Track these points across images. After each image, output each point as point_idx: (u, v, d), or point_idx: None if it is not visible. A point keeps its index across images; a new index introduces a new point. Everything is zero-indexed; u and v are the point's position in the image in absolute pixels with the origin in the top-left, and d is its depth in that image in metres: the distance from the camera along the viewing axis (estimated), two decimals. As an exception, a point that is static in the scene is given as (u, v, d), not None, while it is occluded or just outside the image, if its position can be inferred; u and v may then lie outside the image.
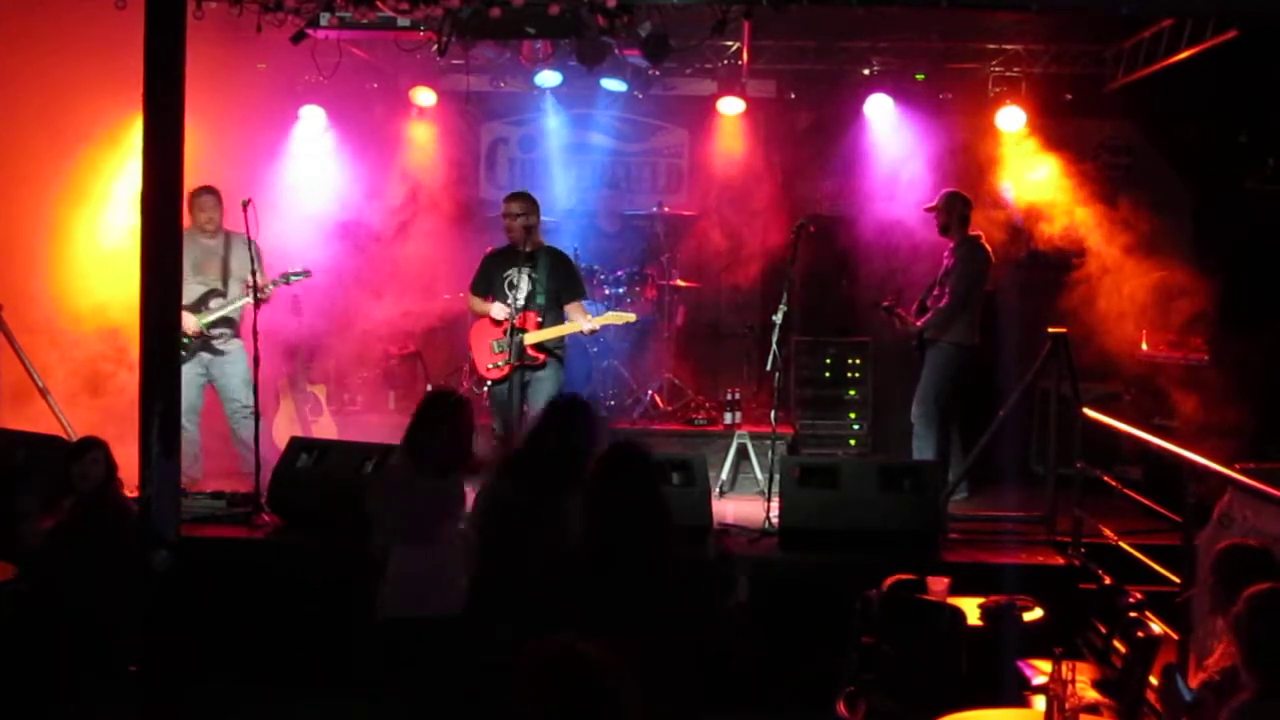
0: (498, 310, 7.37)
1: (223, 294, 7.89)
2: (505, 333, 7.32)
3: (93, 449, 5.90)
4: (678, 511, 6.60)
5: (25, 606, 5.49)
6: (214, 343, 7.87)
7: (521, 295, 7.33)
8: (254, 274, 7.40)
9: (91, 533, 5.70)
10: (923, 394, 8.24)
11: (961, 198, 8.35)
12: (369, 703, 4.77)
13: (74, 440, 6.47)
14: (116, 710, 5.43)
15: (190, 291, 7.54)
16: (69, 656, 5.39)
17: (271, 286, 7.70)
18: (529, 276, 7.38)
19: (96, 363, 8.23)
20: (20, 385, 7.82)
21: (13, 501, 6.01)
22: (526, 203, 7.48)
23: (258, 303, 7.44)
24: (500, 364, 7.39)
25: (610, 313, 7.52)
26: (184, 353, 7.23)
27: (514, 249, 7.45)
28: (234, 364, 7.92)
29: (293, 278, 7.81)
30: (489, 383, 7.56)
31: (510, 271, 7.42)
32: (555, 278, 7.44)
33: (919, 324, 8.27)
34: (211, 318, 7.85)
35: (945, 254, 8.41)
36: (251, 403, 7.36)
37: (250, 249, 7.48)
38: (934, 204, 8.37)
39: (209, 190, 7.82)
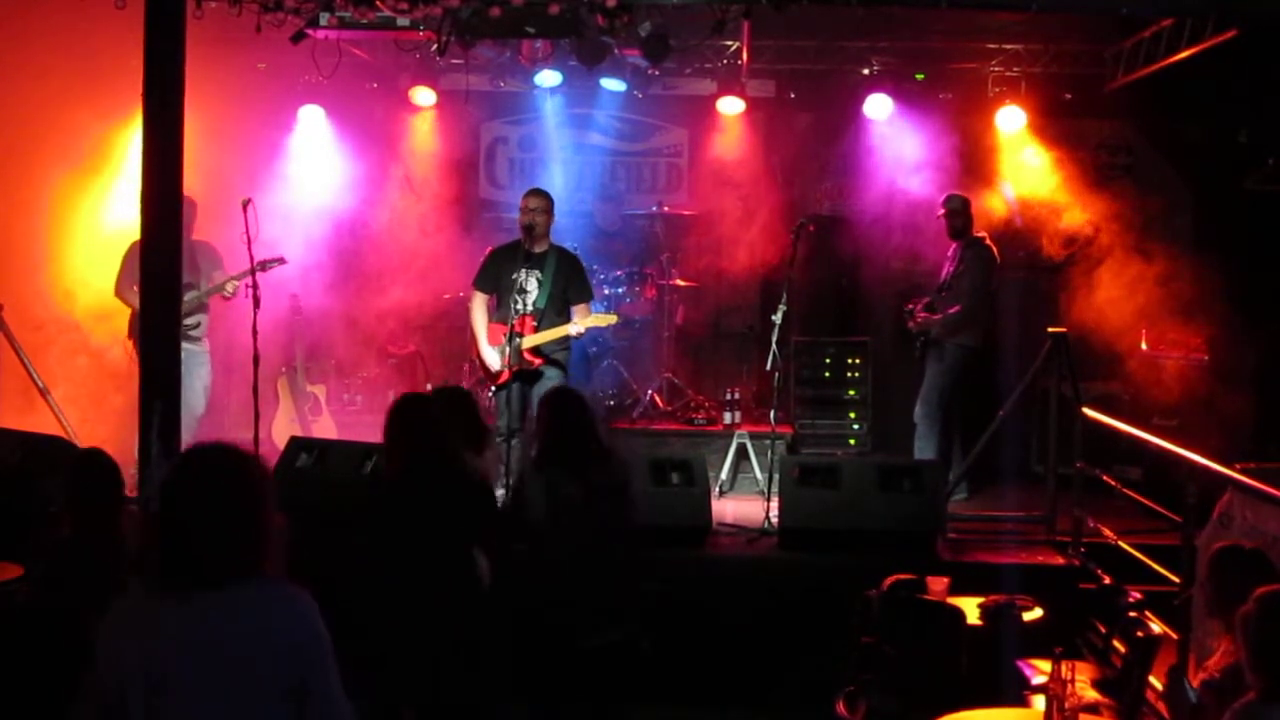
0: (491, 361, 7.37)
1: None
2: (504, 336, 7.30)
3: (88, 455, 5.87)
4: (678, 511, 6.75)
5: (26, 606, 5.47)
6: None
7: (530, 300, 7.29)
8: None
9: (98, 537, 5.68)
10: (926, 394, 8.24)
11: (968, 200, 8.36)
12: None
13: (74, 440, 6.46)
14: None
15: None
16: (69, 657, 5.38)
17: (235, 284, 7.60)
18: (536, 279, 7.34)
19: (96, 362, 8.23)
20: (20, 385, 7.81)
21: (43, 503, 5.98)
22: (545, 199, 7.43)
23: (230, 294, 7.58)
24: (502, 367, 7.36)
25: (592, 315, 7.50)
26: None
27: (521, 248, 7.34)
28: (196, 367, 7.82)
29: (270, 265, 7.55)
30: (493, 387, 7.54)
31: (518, 274, 7.29)
32: (562, 279, 7.38)
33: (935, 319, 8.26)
34: None
35: (949, 255, 8.40)
36: (201, 411, 7.63)
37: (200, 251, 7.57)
38: (947, 208, 8.34)
39: None
